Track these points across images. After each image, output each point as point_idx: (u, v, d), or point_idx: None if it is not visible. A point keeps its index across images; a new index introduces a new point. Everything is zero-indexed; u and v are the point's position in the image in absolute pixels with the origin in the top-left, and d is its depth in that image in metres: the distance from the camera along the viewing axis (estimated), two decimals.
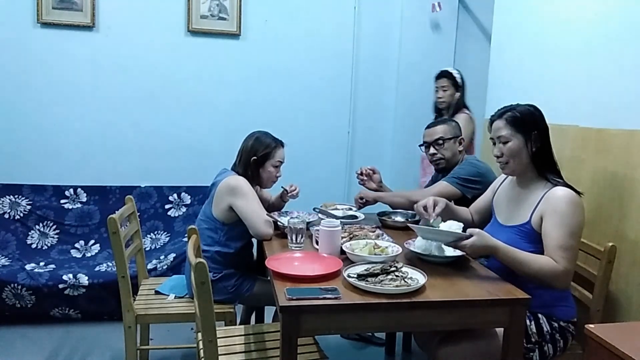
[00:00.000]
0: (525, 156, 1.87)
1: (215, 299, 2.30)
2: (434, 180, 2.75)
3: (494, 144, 1.94)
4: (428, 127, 2.57)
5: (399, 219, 2.52)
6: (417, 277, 1.70)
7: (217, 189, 2.31)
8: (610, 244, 1.90)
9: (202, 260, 1.57)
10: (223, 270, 2.31)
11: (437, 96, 3.41)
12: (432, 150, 2.52)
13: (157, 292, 2.44)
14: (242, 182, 2.28)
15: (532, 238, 1.85)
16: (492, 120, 1.95)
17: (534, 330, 1.83)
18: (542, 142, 1.87)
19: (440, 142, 2.49)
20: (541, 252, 1.80)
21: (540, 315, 1.85)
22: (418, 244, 1.99)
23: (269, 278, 1.93)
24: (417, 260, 1.96)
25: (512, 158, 1.89)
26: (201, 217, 2.40)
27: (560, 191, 1.81)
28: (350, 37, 3.82)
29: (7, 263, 3.14)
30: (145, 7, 3.53)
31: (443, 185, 2.41)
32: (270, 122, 3.77)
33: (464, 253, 1.96)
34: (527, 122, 1.86)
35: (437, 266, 1.89)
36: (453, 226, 1.89)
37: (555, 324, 1.86)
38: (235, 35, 3.65)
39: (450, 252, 1.99)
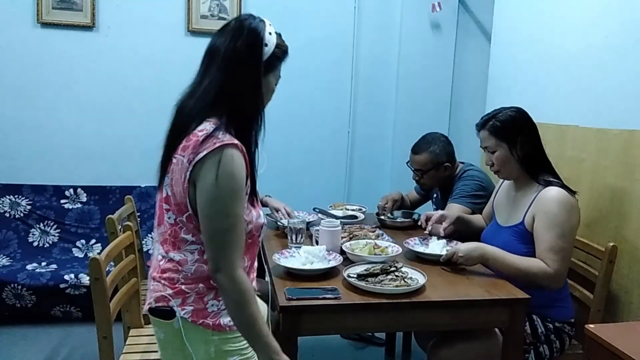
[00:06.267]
0: (514, 162, 1.88)
1: None
2: (422, 195, 2.71)
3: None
4: (413, 149, 2.45)
5: (399, 219, 2.51)
6: (417, 277, 1.70)
7: None
8: (611, 244, 1.90)
9: None
10: None
11: None
12: (414, 175, 2.46)
13: None
14: None
15: (525, 239, 1.85)
16: (477, 129, 1.96)
17: (529, 331, 1.82)
18: (530, 145, 1.87)
19: (419, 173, 2.42)
20: (534, 253, 1.81)
21: (534, 317, 1.85)
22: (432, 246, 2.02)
23: (266, 279, 1.93)
24: (417, 260, 1.96)
25: (502, 166, 1.91)
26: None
27: (551, 192, 1.81)
28: (350, 37, 3.81)
29: (7, 263, 3.14)
30: (145, 7, 3.53)
31: (457, 208, 2.26)
32: (270, 122, 3.75)
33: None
34: (509, 129, 1.87)
35: (437, 266, 1.89)
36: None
37: (550, 325, 1.86)
38: None
39: None
